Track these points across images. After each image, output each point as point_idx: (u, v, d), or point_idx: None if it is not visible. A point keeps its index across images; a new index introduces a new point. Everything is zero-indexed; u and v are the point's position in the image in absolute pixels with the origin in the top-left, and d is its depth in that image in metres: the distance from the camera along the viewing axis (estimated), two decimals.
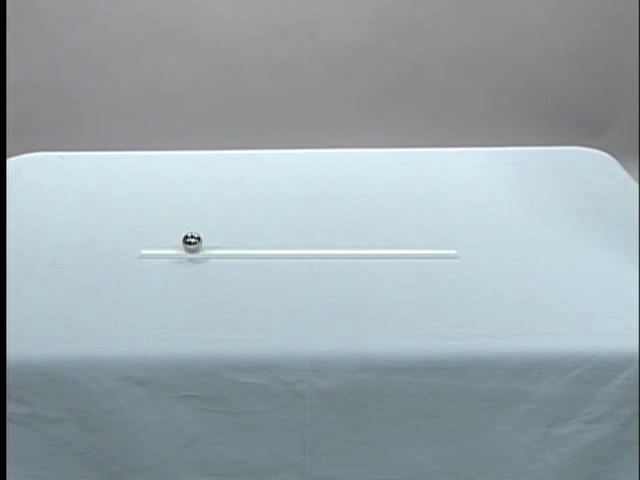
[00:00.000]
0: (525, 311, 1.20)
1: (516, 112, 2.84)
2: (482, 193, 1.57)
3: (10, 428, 1.11)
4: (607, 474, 1.16)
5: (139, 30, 2.73)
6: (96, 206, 1.55)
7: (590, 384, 1.11)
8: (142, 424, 1.14)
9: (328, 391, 1.12)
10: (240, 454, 1.16)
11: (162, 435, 1.14)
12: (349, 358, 1.11)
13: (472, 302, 1.22)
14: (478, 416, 1.13)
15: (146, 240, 1.40)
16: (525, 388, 1.12)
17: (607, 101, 2.73)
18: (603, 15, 2.69)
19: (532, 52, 2.77)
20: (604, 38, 2.72)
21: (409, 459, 1.16)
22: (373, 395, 1.13)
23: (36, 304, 1.22)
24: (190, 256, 1.35)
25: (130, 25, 2.72)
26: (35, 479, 1.17)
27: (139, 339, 1.14)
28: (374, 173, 1.68)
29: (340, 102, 2.85)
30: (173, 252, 1.36)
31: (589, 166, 1.70)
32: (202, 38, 2.75)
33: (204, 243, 1.36)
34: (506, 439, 1.14)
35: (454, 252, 1.35)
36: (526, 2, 2.70)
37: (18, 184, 1.64)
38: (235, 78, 2.81)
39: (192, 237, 1.35)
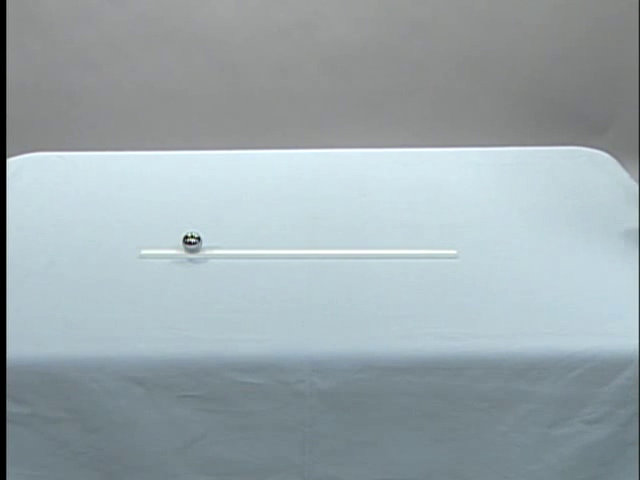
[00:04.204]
0: (525, 311, 1.20)
1: (516, 112, 2.84)
2: (482, 193, 1.57)
3: (10, 428, 1.11)
4: (608, 474, 1.16)
5: (139, 30, 2.73)
6: (96, 206, 1.55)
7: (590, 384, 1.11)
8: (142, 424, 1.14)
9: (328, 391, 1.12)
10: (240, 454, 1.16)
11: (162, 435, 1.14)
12: (349, 358, 1.11)
13: (472, 302, 1.22)
14: (478, 416, 1.13)
15: (146, 240, 1.40)
16: (525, 388, 1.12)
17: (607, 101, 2.73)
18: (603, 15, 2.69)
19: (532, 51, 2.77)
20: (604, 38, 2.72)
21: (409, 459, 1.16)
22: (373, 395, 1.13)
23: (36, 304, 1.22)
24: (190, 256, 1.35)
25: (130, 25, 2.72)
26: (35, 479, 1.17)
27: (139, 339, 1.14)
28: (374, 173, 1.68)
29: (340, 102, 2.85)
30: (173, 252, 1.36)
31: (589, 166, 1.70)
32: (202, 38, 2.75)
33: (204, 243, 1.36)
34: (506, 439, 1.14)
35: (454, 252, 1.35)
36: (526, 1, 2.70)
37: (18, 184, 1.64)
38: (235, 78, 2.81)
39: (192, 237, 1.35)
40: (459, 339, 1.13)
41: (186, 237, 1.35)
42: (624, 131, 2.77)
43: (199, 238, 1.36)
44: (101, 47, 2.75)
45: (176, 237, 1.37)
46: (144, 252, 1.37)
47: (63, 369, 1.11)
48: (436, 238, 1.40)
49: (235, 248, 1.38)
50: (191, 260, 1.35)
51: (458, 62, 2.78)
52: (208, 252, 1.36)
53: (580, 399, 1.12)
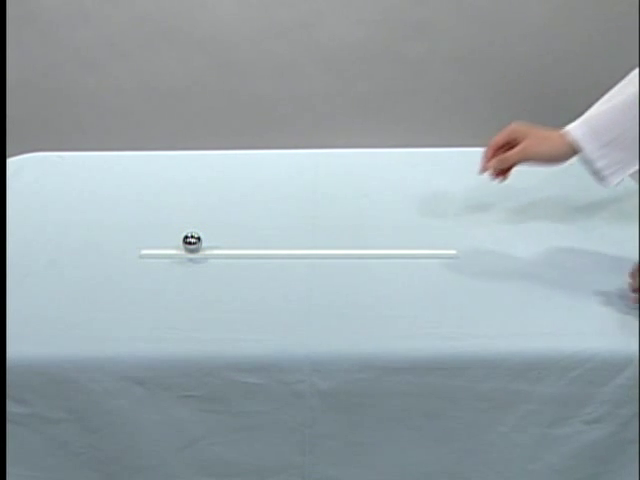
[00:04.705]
0: (525, 311, 1.20)
1: (517, 112, 2.84)
2: (482, 193, 1.57)
3: (10, 428, 1.11)
4: (607, 474, 1.16)
5: (139, 30, 2.73)
6: (96, 206, 1.55)
7: (590, 384, 1.11)
8: (142, 424, 1.14)
9: (328, 391, 1.12)
10: (240, 454, 1.16)
11: (162, 435, 1.14)
12: (349, 358, 1.11)
13: (472, 302, 1.22)
14: (478, 416, 1.13)
15: (146, 240, 1.40)
16: (525, 388, 1.12)
17: None
18: (603, 15, 2.69)
19: (532, 52, 2.77)
20: (604, 38, 2.72)
21: (409, 459, 1.16)
22: (373, 395, 1.13)
23: (36, 304, 1.22)
24: (190, 256, 1.35)
25: (130, 25, 2.72)
26: (35, 479, 1.17)
27: (139, 339, 1.14)
28: (374, 173, 1.68)
29: (340, 102, 2.85)
30: (173, 252, 1.36)
31: None
32: (202, 38, 2.75)
33: (204, 243, 1.36)
34: (506, 439, 1.14)
35: (454, 252, 1.35)
36: (527, 2, 2.70)
37: (18, 184, 1.64)
38: (235, 78, 2.81)
39: (192, 237, 1.35)
40: (459, 339, 1.13)
41: (186, 237, 1.35)
42: None
43: (199, 238, 1.36)
44: (101, 47, 2.75)
45: (176, 237, 1.37)
46: (144, 252, 1.37)
47: (63, 369, 1.11)
48: (436, 238, 1.40)
49: (235, 248, 1.38)
50: (191, 260, 1.35)
51: (458, 62, 2.78)
52: (208, 252, 1.36)
53: (580, 399, 1.12)
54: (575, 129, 1.28)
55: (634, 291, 1.20)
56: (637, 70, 1.32)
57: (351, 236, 1.42)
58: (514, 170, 1.66)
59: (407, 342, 1.13)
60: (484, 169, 1.35)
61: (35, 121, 2.84)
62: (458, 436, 1.15)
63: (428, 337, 1.13)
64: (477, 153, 1.79)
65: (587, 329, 1.15)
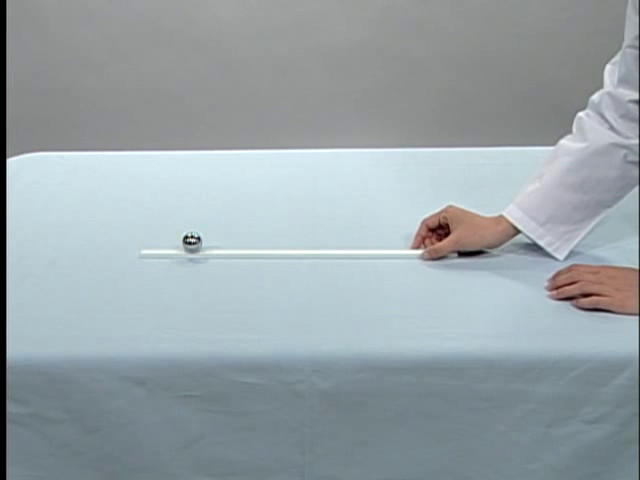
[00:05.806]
0: (525, 311, 1.20)
1: (517, 112, 2.84)
2: (482, 193, 1.57)
3: (10, 428, 1.11)
4: (607, 474, 1.16)
5: (139, 30, 2.73)
6: (96, 206, 1.55)
7: (590, 384, 1.11)
8: (142, 424, 1.14)
9: (328, 391, 1.12)
10: (240, 454, 1.16)
11: (162, 435, 1.14)
12: (349, 358, 1.11)
13: (472, 302, 1.22)
14: (478, 416, 1.13)
15: (146, 240, 1.40)
16: (525, 388, 1.12)
17: None
18: (604, 15, 2.69)
19: (533, 52, 2.77)
20: (605, 38, 2.72)
21: (409, 459, 1.16)
22: (373, 395, 1.13)
23: (36, 304, 1.22)
24: (190, 256, 1.35)
25: (130, 25, 2.72)
26: (34, 479, 1.17)
27: (139, 339, 1.14)
28: (374, 173, 1.68)
29: (340, 102, 2.85)
30: (173, 252, 1.36)
31: None
32: (202, 38, 2.75)
33: (204, 243, 1.36)
34: (506, 439, 1.14)
35: (454, 252, 1.35)
36: (527, 2, 2.70)
37: (18, 184, 1.64)
38: (235, 78, 2.81)
39: (192, 237, 1.35)
40: (459, 339, 1.13)
41: (186, 237, 1.35)
42: None
43: (199, 238, 1.36)
44: (101, 47, 2.75)
45: (176, 237, 1.37)
46: (144, 252, 1.37)
47: (63, 369, 1.11)
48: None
49: (235, 248, 1.38)
50: (191, 260, 1.35)
51: (458, 62, 2.78)
52: (208, 252, 1.36)
53: (580, 399, 1.12)
54: (511, 212, 1.34)
55: (550, 290, 1.23)
56: (560, 143, 1.36)
57: (351, 236, 1.42)
58: (516, 171, 1.67)
59: (407, 342, 1.13)
60: (416, 247, 1.38)
61: (35, 121, 2.84)
62: (458, 436, 1.15)
63: (428, 337, 1.13)
64: (478, 153, 1.80)
65: (587, 329, 1.15)
